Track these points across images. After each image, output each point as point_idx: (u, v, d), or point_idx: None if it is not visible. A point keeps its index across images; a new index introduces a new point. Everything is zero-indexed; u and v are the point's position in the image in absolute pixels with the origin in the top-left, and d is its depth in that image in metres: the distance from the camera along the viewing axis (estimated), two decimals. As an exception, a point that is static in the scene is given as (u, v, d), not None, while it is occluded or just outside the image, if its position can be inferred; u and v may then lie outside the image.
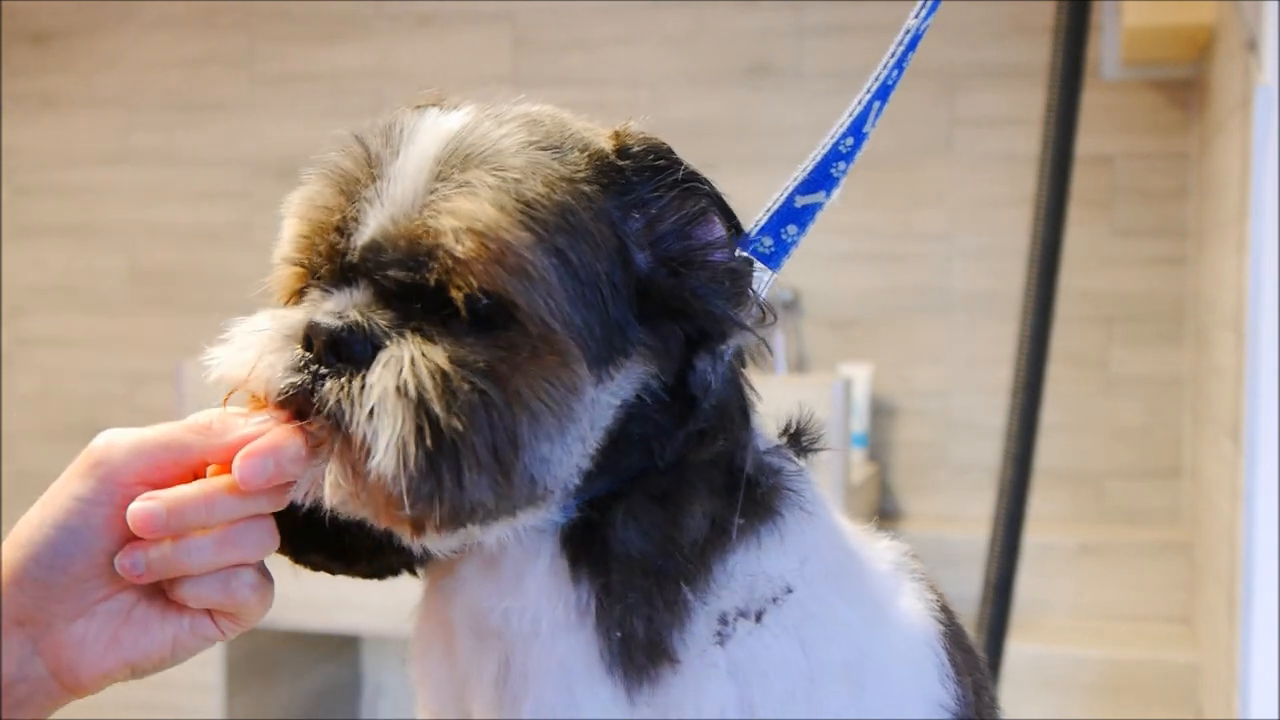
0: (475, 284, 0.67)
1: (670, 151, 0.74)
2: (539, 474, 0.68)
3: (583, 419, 0.69)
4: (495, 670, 0.74)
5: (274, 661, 3.16)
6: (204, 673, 2.95)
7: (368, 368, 0.67)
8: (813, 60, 3.47)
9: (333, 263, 0.72)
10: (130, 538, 0.70)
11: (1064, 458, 3.32)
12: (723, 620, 0.72)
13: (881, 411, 3.47)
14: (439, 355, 0.67)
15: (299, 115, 3.78)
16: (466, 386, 0.66)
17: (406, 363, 0.67)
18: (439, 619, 0.78)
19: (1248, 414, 2.00)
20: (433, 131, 0.72)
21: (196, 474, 0.72)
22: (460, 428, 0.65)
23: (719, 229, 0.74)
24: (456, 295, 0.67)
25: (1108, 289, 3.33)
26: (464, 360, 0.67)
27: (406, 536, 0.69)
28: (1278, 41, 1.88)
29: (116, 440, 0.71)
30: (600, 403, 0.70)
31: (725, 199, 0.76)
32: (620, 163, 0.72)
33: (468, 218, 0.67)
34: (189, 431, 0.71)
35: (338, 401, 0.67)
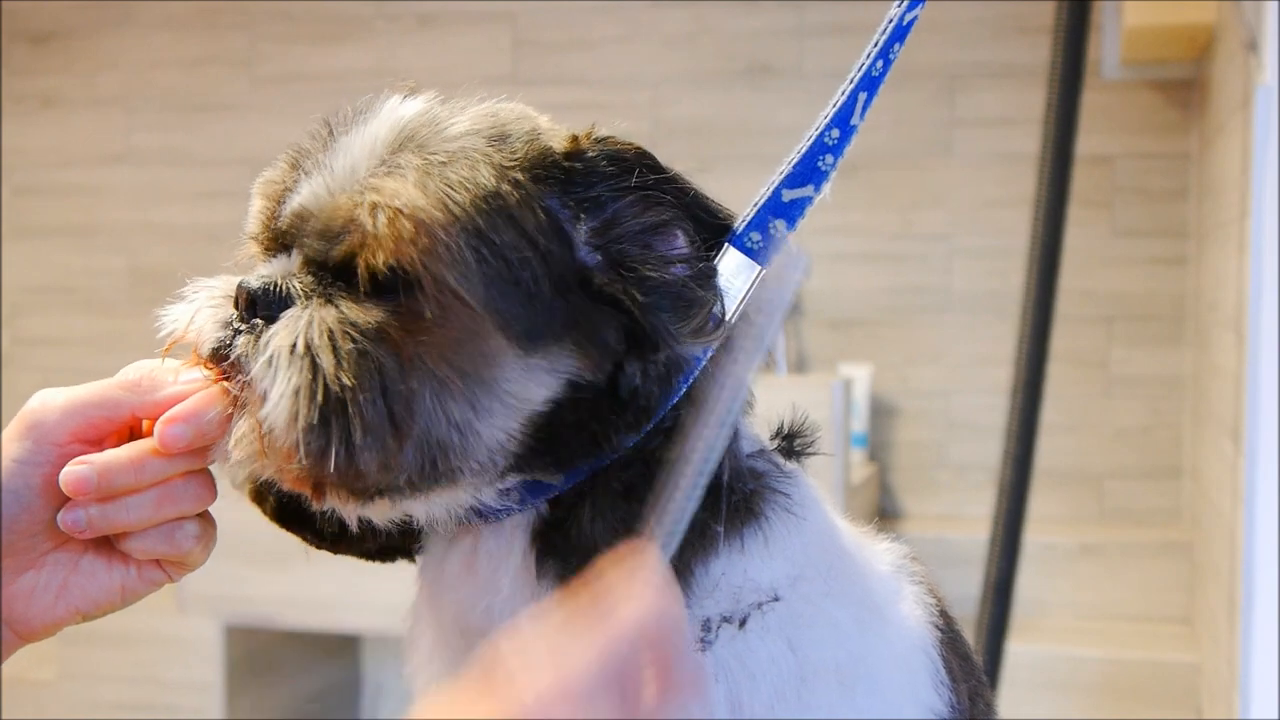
0: (382, 258, 0.68)
1: (636, 158, 0.73)
2: (448, 439, 0.68)
3: (500, 389, 0.69)
4: None
5: (274, 661, 3.16)
6: (204, 673, 2.95)
7: (275, 325, 0.70)
8: (813, 60, 3.47)
9: (269, 230, 0.76)
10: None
11: (1064, 458, 3.32)
12: (705, 627, 0.72)
13: (881, 411, 3.47)
14: (332, 315, 0.69)
15: (299, 115, 3.76)
16: (350, 345, 0.68)
17: (304, 321, 0.69)
18: (429, 618, 0.79)
19: (1248, 414, 2.00)
20: (386, 116, 0.74)
21: (131, 428, 0.75)
22: (349, 383, 0.67)
23: (680, 242, 0.73)
24: (360, 266, 0.69)
25: (1108, 289, 3.33)
26: (354, 320, 0.69)
27: (312, 501, 0.70)
28: (1278, 41, 1.88)
29: (50, 401, 0.74)
30: (524, 378, 0.70)
31: (705, 206, 0.75)
32: (566, 163, 0.72)
33: (388, 195, 0.69)
34: (120, 389, 0.74)
35: (244, 355, 0.70)
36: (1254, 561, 1.94)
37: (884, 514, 3.44)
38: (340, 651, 3.50)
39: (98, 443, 0.74)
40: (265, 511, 0.79)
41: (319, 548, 0.81)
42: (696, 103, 3.55)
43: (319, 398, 0.67)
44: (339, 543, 0.79)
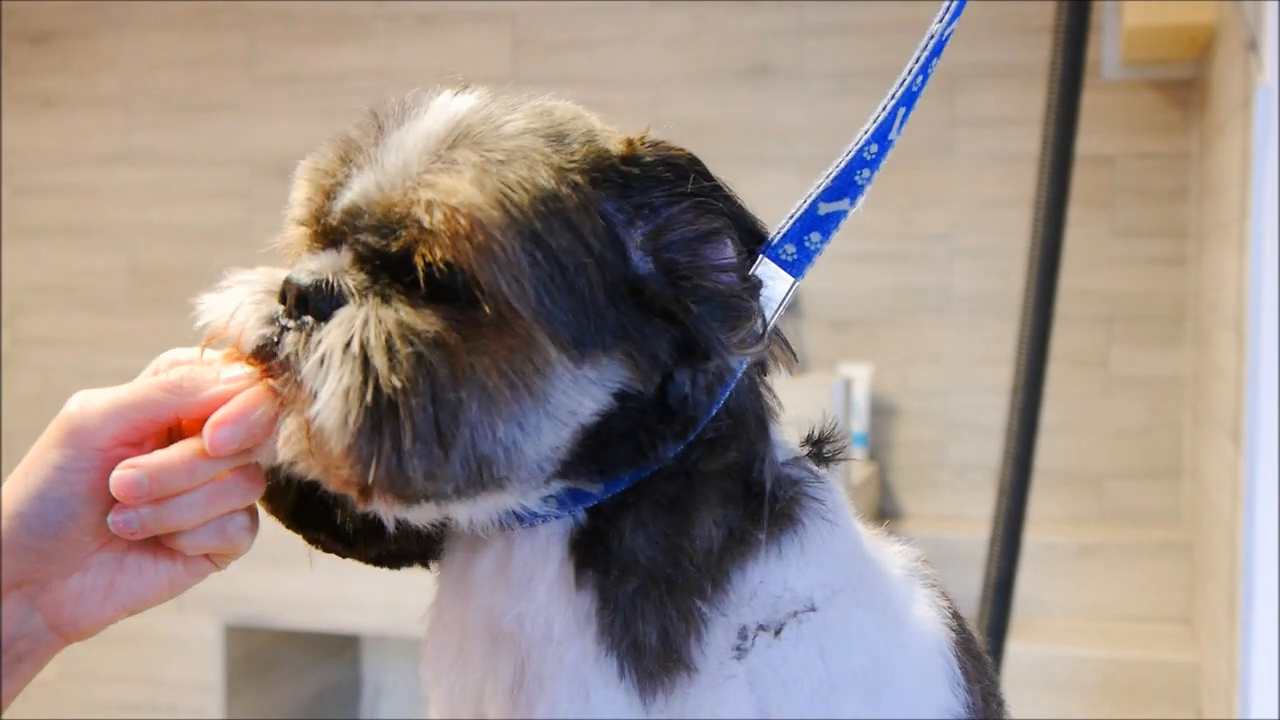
0: (439, 255, 0.67)
1: (690, 164, 0.72)
2: (493, 454, 0.67)
3: (550, 403, 0.68)
4: (511, 674, 0.74)
5: (274, 661, 3.16)
6: (204, 673, 2.95)
7: (327, 323, 0.69)
8: (813, 60, 3.47)
9: (319, 224, 0.74)
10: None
11: (1064, 458, 3.32)
12: (742, 635, 0.72)
13: (881, 411, 3.47)
14: (390, 317, 0.68)
15: (299, 115, 3.78)
16: (407, 349, 0.66)
17: (359, 321, 0.68)
18: (453, 621, 0.78)
19: (1248, 414, 2.00)
20: (440, 111, 0.73)
21: (171, 429, 0.74)
22: (400, 385, 0.66)
23: (729, 251, 0.73)
24: (418, 263, 0.68)
25: (1108, 289, 3.33)
26: (413, 325, 0.67)
27: (357, 502, 0.69)
28: (1278, 41, 1.88)
29: (90, 405, 0.72)
30: (574, 390, 0.69)
31: (747, 215, 0.75)
32: (624, 167, 0.72)
33: (445, 192, 0.68)
34: (161, 390, 0.73)
35: (294, 353, 0.69)
36: (1254, 561, 1.94)
37: (884, 514, 3.44)
38: (340, 651, 3.50)
39: (139, 444, 0.73)
40: (278, 510, 0.78)
41: (328, 550, 0.80)
42: (696, 103, 3.55)
43: (369, 400, 0.66)
44: (353, 546, 0.78)
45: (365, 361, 0.66)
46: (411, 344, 0.67)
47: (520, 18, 3.66)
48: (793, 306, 3.33)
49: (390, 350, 0.66)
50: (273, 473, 0.76)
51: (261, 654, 3.10)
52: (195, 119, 3.90)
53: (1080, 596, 3.15)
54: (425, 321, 0.67)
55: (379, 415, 0.66)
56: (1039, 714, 2.86)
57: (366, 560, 0.80)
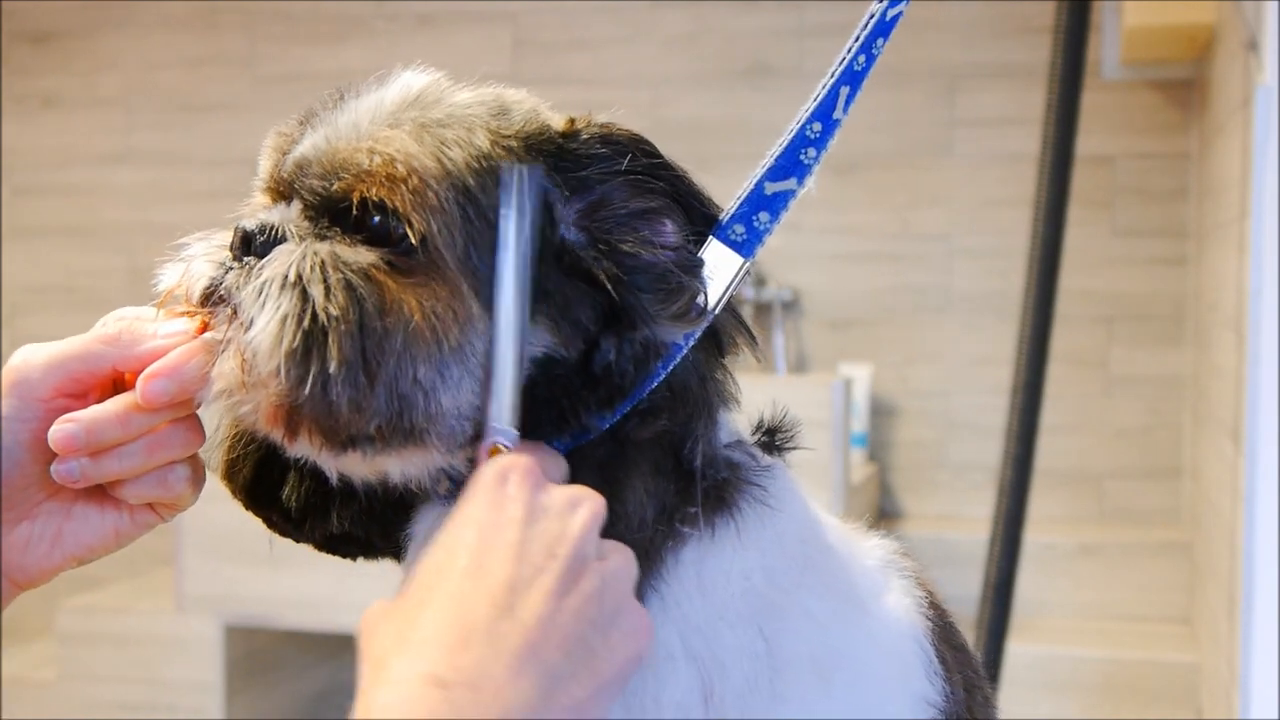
0: (375, 193, 0.70)
1: (632, 143, 0.73)
2: (412, 396, 0.69)
3: (471, 360, 0.70)
4: None
5: (274, 661, 3.16)
6: (204, 673, 2.95)
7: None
8: (813, 60, 3.47)
9: (273, 180, 0.77)
10: None
11: (1064, 458, 3.32)
12: (678, 615, 0.72)
13: (881, 411, 3.47)
14: (324, 250, 0.70)
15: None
16: (338, 276, 0.69)
17: (297, 255, 0.70)
18: None
19: (1248, 414, 2.00)
20: (397, 85, 0.76)
21: (115, 381, 0.76)
22: (334, 313, 0.68)
23: (668, 229, 0.74)
24: (354, 199, 0.71)
25: (1108, 289, 3.33)
26: (345, 257, 0.70)
27: (285, 443, 0.71)
28: (1278, 41, 1.88)
29: (32, 357, 0.74)
30: None
31: (698, 196, 0.75)
32: (561, 141, 0.73)
33: (384, 142, 0.71)
34: (101, 343, 0.75)
35: (234, 286, 0.71)
36: (1254, 561, 1.94)
37: (884, 514, 3.44)
38: (340, 651, 3.50)
39: (82, 396, 0.75)
40: (234, 487, 0.80)
41: (282, 532, 0.81)
42: (696, 103, 3.55)
43: (306, 324, 0.68)
44: (303, 523, 0.80)
45: (303, 291, 0.69)
46: (342, 272, 0.69)
47: (520, 18, 3.66)
48: (793, 306, 3.32)
49: (325, 280, 0.69)
50: (231, 447, 0.78)
51: (261, 654, 3.10)
52: (195, 119, 3.90)
53: (1080, 596, 3.15)
54: (358, 256, 0.70)
55: (311, 340, 0.68)
56: (1039, 714, 2.86)
57: (315, 544, 0.82)
